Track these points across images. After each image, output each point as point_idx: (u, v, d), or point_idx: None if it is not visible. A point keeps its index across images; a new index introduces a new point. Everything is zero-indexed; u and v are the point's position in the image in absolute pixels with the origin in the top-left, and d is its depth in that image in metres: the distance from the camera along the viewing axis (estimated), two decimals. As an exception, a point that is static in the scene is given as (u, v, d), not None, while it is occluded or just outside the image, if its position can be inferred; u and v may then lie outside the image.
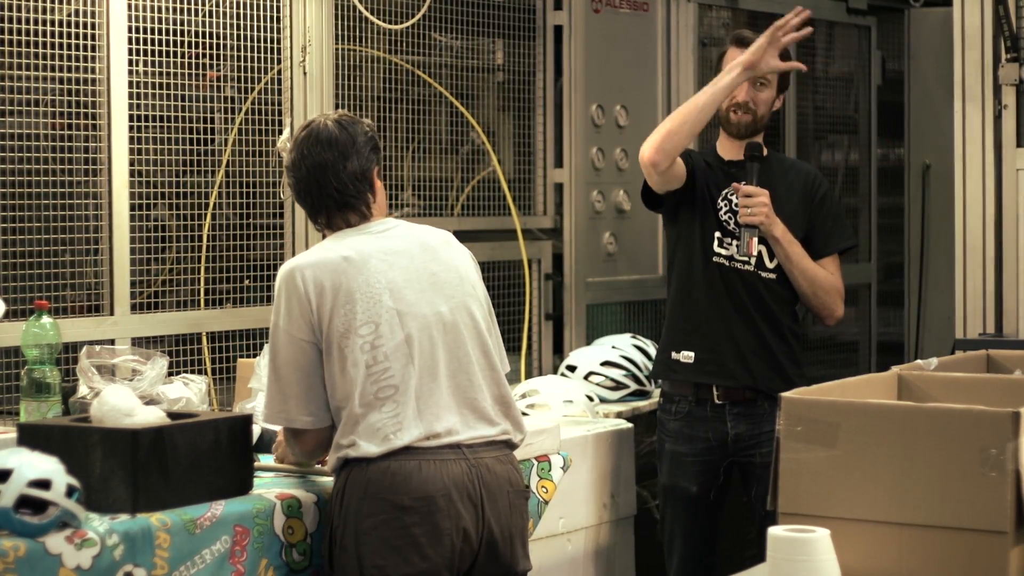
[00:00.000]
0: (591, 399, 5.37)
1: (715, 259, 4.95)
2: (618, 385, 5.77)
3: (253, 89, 5.25)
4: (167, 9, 4.99)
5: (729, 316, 4.95)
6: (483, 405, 3.84)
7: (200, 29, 5.08)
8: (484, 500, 3.79)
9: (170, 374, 4.28)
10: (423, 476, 3.71)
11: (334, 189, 3.88)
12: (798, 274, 4.88)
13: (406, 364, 3.76)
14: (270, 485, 3.89)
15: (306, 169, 3.89)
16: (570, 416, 5.22)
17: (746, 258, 4.89)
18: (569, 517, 4.98)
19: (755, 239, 4.83)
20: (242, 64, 5.22)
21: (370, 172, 3.95)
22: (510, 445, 3.91)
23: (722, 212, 4.94)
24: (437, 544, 3.72)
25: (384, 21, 5.69)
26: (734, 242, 4.93)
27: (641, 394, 5.81)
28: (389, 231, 3.93)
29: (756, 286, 4.94)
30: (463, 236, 6.03)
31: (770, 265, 4.94)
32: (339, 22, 5.53)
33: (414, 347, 3.78)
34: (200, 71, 5.10)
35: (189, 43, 5.05)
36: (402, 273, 3.84)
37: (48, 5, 4.68)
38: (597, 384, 5.72)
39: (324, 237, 3.97)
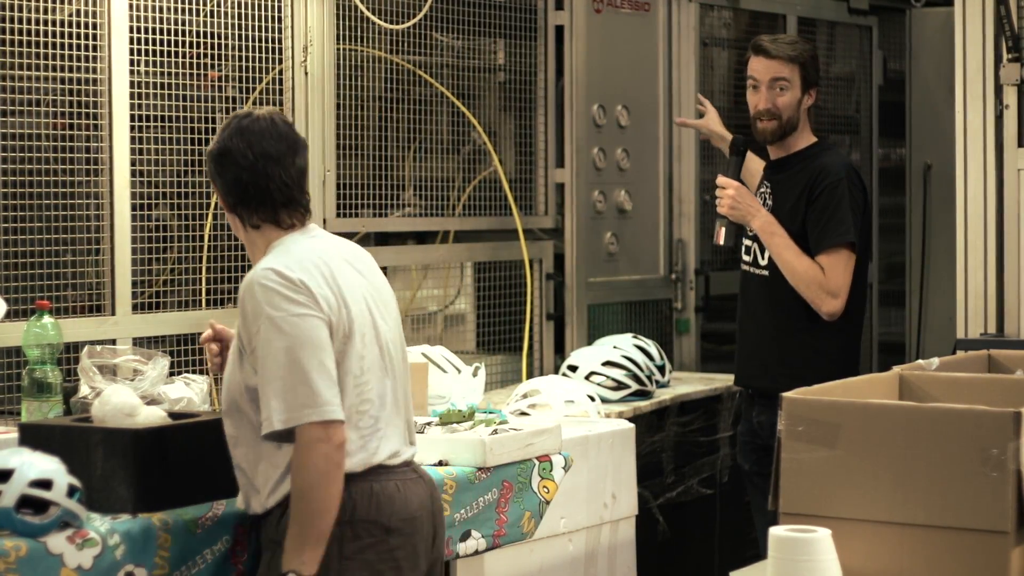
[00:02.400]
0: (592, 399, 5.37)
1: (741, 263, 5.16)
2: (619, 385, 5.77)
3: (254, 89, 5.25)
4: (168, 9, 4.99)
5: (741, 316, 5.16)
6: (410, 426, 3.75)
7: (201, 29, 5.09)
8: (437, 521, 3.73)
9: (171, 374, 4.28)
10: (404, 496, 3.61)
11: (282, 183, 3.61)
12: (780, 267, 4.94)
13: (382, 378, 3.61)
14: (271, 485, 3.89)
15: (253, 158, 3.60)
16: (571, 416, 5.22)
17: (720, 246, 5.09)
18: (570, 517, 4.98)
19: (723, 229, 5.02)
20: (243, 64, 5.22)
21: (307, 173, 3.74)
22: None
23: None
24: (414, 568, 3.64)
25: (385, 21, 5.69)
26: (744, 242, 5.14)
27: (642, 394, 5.81)
28: (331, 238, 3.72)
29: (753, 284, 5.07)
30: (464, 236, 6.09)
31: (763, 262, 5.01)
32: (340, 22, 5.54)
33: (387, 361, 3.64)
34: (201, 71, 5.10)
35: (190, 43, 5.05)
36: (367, 285, 3.66)
37: (49, 5, 4.69)
38: (598, 384, 5.73)
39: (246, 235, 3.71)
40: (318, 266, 3.55)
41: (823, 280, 4.88)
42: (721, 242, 5.05)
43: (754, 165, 5.26)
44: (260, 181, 3.61)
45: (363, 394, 3.56)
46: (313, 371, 3.44)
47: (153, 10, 4.94)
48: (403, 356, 3.74)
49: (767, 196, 5.04)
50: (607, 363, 5.79)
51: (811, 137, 5.08)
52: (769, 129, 5.01)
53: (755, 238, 5.03)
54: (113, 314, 4.83)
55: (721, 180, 5.02)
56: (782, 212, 4.97)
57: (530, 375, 6.16)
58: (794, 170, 5.01)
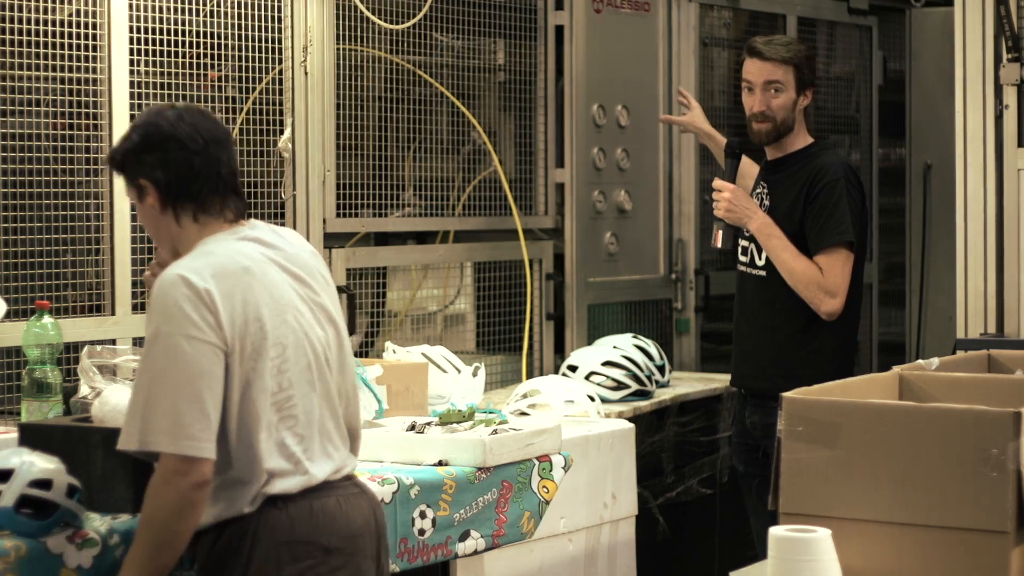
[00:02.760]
0: (592, 399, 5.37)
1: (738, 263, 5.17)
2: (619, 385, 5.77)
3: (254, 89, 5.25)
4: (168, 9, 4.99)
5: (737, 316, 5.19)
6: (355, 434, 3.60)
7: (201, 29, 5.08)
8: (381, 537, 3.56)
9: (171, 374, 4.27)
10: (345, 514, 3.43)
11: (230, 170, 3.44)
12: (778, 268, 4.96)
13: (308, 392, 3.41)
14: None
15: (203, 142, 3.39)
16: (571, 416, 5.22)
17: (719, 249, 5.21)
18: (570, 517, 4.98)
19: (720, 232, 5.05)
20: (243, 64, 5.22)
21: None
22: None
23: None
24: None
25: (385, 21, 5.69)
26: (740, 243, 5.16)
27: (642, 394, 5.81)
28: (266, 237, 3.49)
29: (750, 285, 5.10)
30: (464, 236, 6.09)
31: (759, 263, 5.03)
32: (340, 22, 5.54)
33: (314, 373, 3.43)
34: (201, 71, 5.10)
35: (190, 43, 5.05)
36: (298, 289, 3.46)
37: (49, 5, 4.69)
38: (598, 384, 5.73)
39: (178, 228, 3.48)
40: (235, 273, 3.34)
41: (821, 280, 4.88)
42: (719, 245, 5.07)
43: (748, 167, 5.27)
44: (212, 166, 3.41)
45: (286, 411, 3.38)
46: (183, 400, 3.24)
47: (153, 10, 4.94)
48: (346, 363, 3.55)
49: (764, 196, 5.05)
50: (607, 363, 5.79)
51: (808, 137, 5.09)
52: (764, 131, 5.02)
53: (752, 238, 5.03)
54: (113, 314, 4.83)
55: (717, 183, 5.04)
56: (779, 212, 4.98)
57: (530, 375, 6.16)
58: (791, 170, 5.02)
